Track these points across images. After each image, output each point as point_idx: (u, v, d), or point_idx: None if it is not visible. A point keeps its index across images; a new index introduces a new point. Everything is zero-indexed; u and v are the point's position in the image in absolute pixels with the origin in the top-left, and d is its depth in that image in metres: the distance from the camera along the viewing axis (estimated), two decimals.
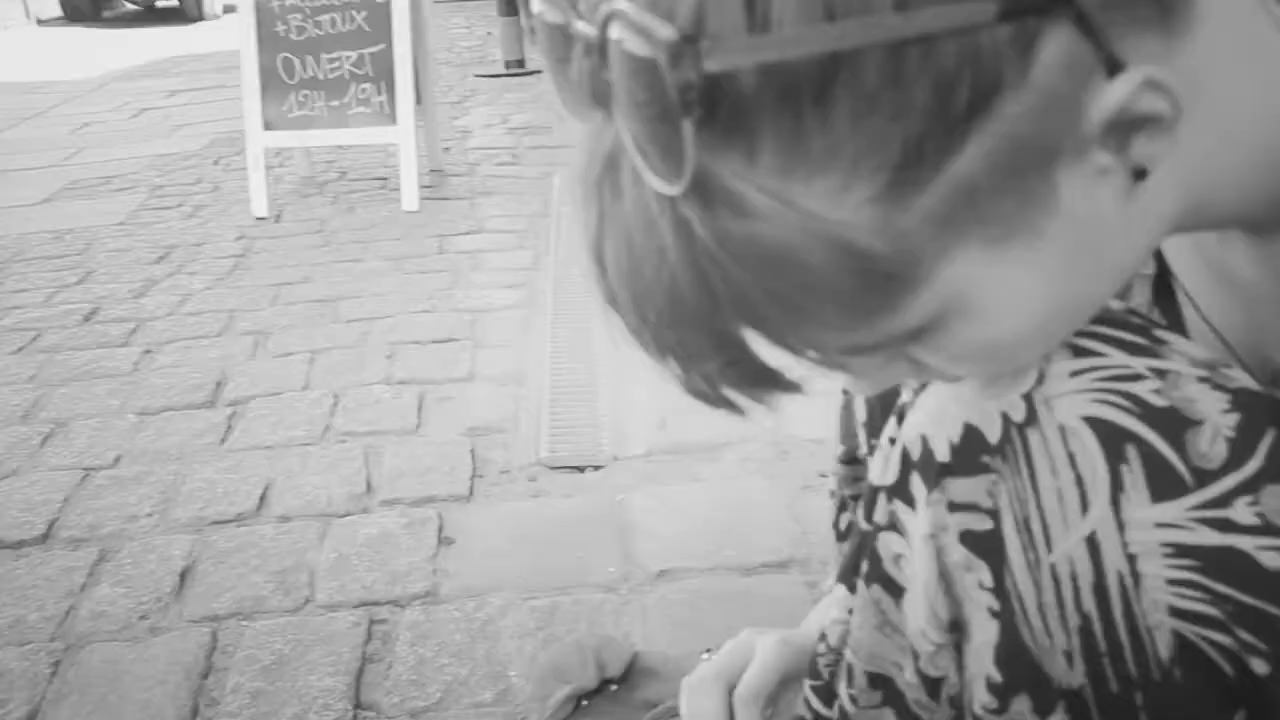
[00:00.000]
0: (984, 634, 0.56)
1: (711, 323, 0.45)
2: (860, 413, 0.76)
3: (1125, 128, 0.44)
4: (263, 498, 1.86)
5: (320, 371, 2.37)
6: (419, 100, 3.75)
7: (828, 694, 0.69)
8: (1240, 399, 0.53)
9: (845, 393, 0.78)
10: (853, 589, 0.64)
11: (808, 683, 0.71)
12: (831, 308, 0.45)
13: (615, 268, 0.46)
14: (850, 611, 0.64)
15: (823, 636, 0.68)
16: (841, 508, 0.83)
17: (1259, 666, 0.51)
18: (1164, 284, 0.66)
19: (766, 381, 0.49)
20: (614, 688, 0.89)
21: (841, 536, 0.83)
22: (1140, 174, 0.46)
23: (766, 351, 0.47)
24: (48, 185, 4.27)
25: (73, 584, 1.64)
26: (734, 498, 1.76)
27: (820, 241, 0.43)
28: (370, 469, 1.93)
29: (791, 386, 0.49)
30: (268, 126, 3.64)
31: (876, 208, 0.42)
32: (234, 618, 1.54)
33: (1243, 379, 0.54)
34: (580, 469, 1.89)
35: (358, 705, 1.35)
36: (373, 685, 1.39)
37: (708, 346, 0.46)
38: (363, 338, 2.54)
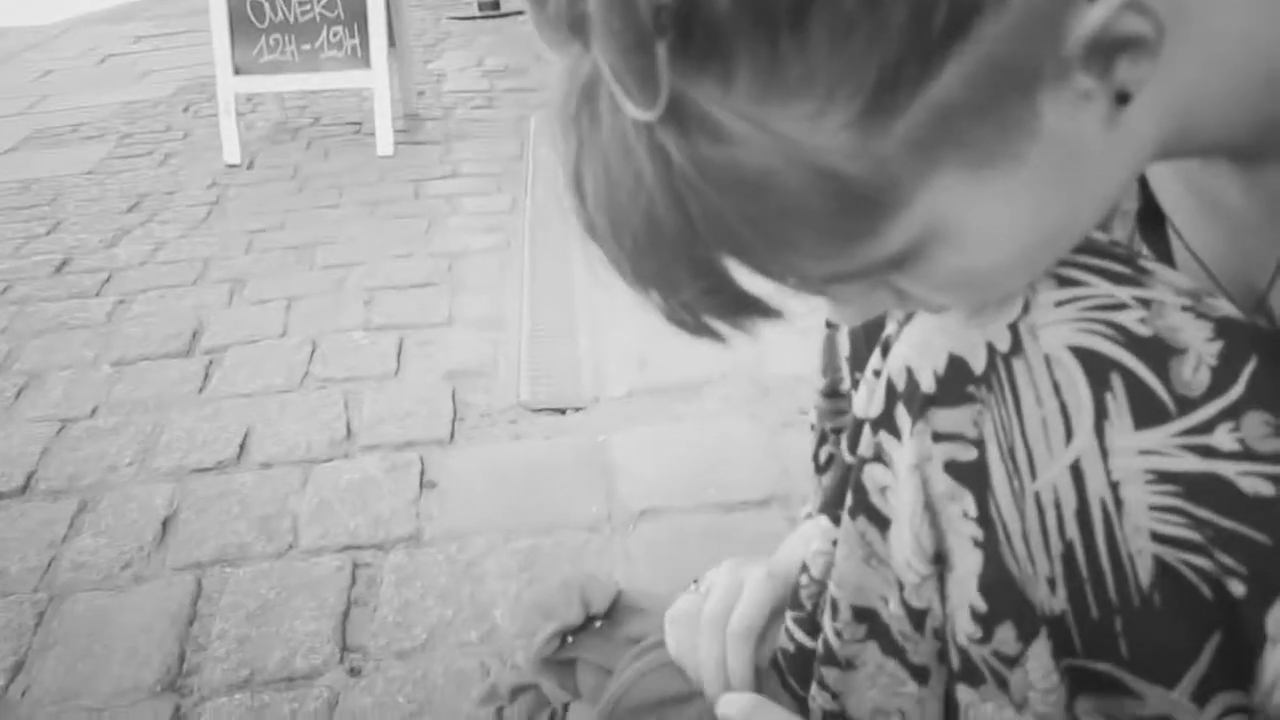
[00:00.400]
0: (967, 564, 0.57)
1: (690, 250, 0.45)
2: (844, 346, 0.76)
3: (1107, 50, 0.43)
4: (243, 445, 1.85)
5: (297, 318, 2.35)
6: (392, 44, 3.69)
7: (811, 624, 0.69)
8: (1223, 327, 0.53)
9: (828, 326, 0.78)
10: (836, 521, 0.65)
11: (790, 614, 0.71)
12: (811, 234, 0.45)
13: (594, 197, 0.46)
14: (834, 543, 0.65)
15: (805, 567, 0.69)
16: (821, 440, 0.83)
17: (1236, 589, 0.52)
18: (1149, 217, 0.66)
19: (747, 309, 0.48)
20: (599, 624, 0.90)
21: (821, 469, 0.84)
22: (1123, 98, 0.45)
23: (747, 279, 0.47)
24: (12, 134, 4.19)
25: (54, 535, 1.63)
26: (715, 436, 1.76)
27: (798, 166, 0.42)
28: (350, 414, 1.92)
29: (773, 313, 0.49)
30: (238, 72, 3.58)
31: (853, 132, 0.42)
32: (218, 564, 1.54)
33: (1226, 308, 0.54)
34: (561, 411, 1.89)
35: (344, 648, 1.36)
36: (359, 628, 1.39)
37: (687, 274, 0.46)
38: (339, 284, 2.52)
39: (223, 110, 3.55)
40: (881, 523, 0.60)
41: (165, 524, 1.64)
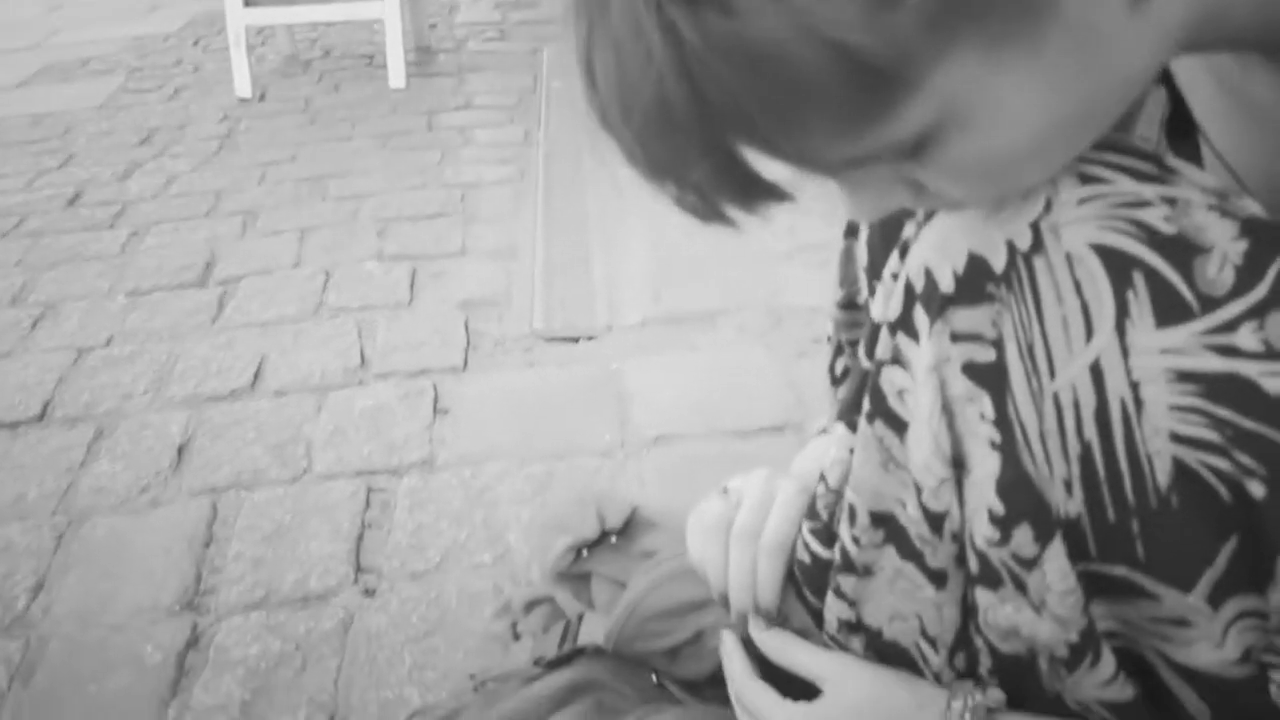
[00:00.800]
0: (985, 467, 0.56)
1: (702, 131, 0.44)
2: (861, 257, 0.75)
3: None
4: (257, 373, 1.85)
5: (311, 249, 2.35)
6: None
7: (827, 535, 0.69)
8: (1250, 226, 0.52)
9: (846, 237, 0.77)
10: (853, 428, 0.64)
11: (806, 524, 0.71)
12: (823, 113, 0.43)
13: (604, 79, 0.45)
14: (851, 450, 0.64)
15: (822, 477, 0.68)
16: (838, 352, 0.82)
17: (1256, 490, 0.51)
18: (1178, 121, 0.65)
19: (760, 191, 0.47)
20: (614, 539, 0.90)
21: (837, 381, 0.83)
22: None
23: (760, 162, 0.46)
24: (22, 69, 4.17)
25: (71, 461, 1.65)
26: (729, 365, 1.76)
27: (809, 40, 0.41)
28: (364, 343, 1.93)
29: (785, 196, 0.48)
30: (248, 3, 3.54)
31: (865, 4, 0.41)
32: (233, 489, 1.55)
33: (1253, 207, 0.53)
34: (574, 340, 1.89)
35: (359, 569, 1.37)
36: (373, 550, 1.40)
37: (698, 154, 0.45)
38: (352, 215, 2.51)
39: (233, 43, 3.52)
40: (899, 426, 0.60)
41: (181, 450, 1.65)
